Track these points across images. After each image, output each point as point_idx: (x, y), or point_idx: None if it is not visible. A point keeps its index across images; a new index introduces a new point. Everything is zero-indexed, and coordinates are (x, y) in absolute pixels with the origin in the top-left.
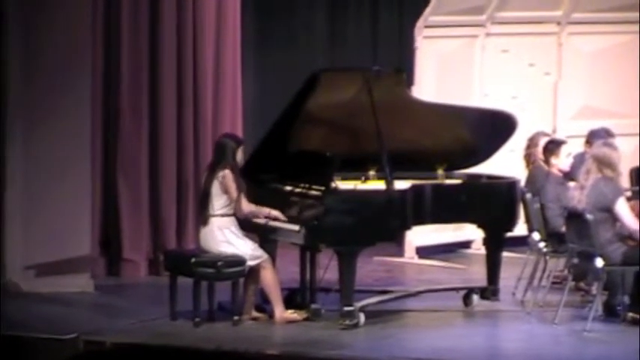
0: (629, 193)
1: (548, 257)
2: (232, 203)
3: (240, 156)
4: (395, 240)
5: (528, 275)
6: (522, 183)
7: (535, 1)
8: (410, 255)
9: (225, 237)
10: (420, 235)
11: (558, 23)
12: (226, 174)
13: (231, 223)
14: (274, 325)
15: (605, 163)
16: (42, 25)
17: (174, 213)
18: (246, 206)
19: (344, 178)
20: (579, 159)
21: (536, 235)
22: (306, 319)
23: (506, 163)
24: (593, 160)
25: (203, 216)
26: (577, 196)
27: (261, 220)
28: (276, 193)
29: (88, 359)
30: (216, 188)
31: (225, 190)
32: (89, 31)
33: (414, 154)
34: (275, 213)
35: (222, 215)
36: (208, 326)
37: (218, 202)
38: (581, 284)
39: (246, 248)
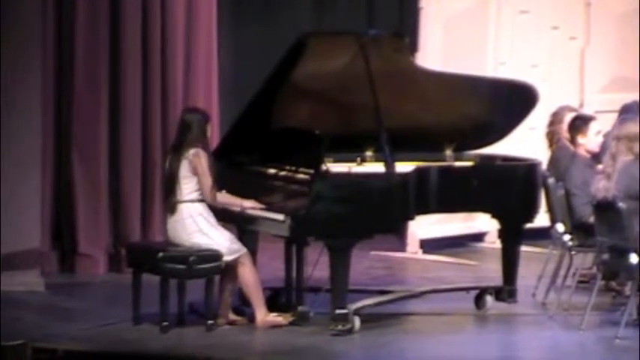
0: None
1: (573, 252)
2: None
3: (208, 133)
4: (395, 232)
5: (551, 273)
6: (544, 165)
7: None
8: (413, 249)
9: (197, 226)
10: (424, 227)
11: None
12: (198, 152)
13: (203, 209)
14: (255, 331)
15: (635, 142)
16: None
17: (138, 200)
18: (220, 195)
19: (336, 160)
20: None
21: (560, 227)
22: (291, 324)
23: (526, 142)
24: (621, 140)
25: (169, 203)
26: (603, 185)
27: (239, 209)
28: (258, 177)
29: None
30: (184, 169)
31: (196, 171)
32: None
33: (418, 132)
34: (249, 204)
35: (193, 201)
36: (178, 331)
37: (187, 186)
38: (613, 284)
39: (222, 240)
